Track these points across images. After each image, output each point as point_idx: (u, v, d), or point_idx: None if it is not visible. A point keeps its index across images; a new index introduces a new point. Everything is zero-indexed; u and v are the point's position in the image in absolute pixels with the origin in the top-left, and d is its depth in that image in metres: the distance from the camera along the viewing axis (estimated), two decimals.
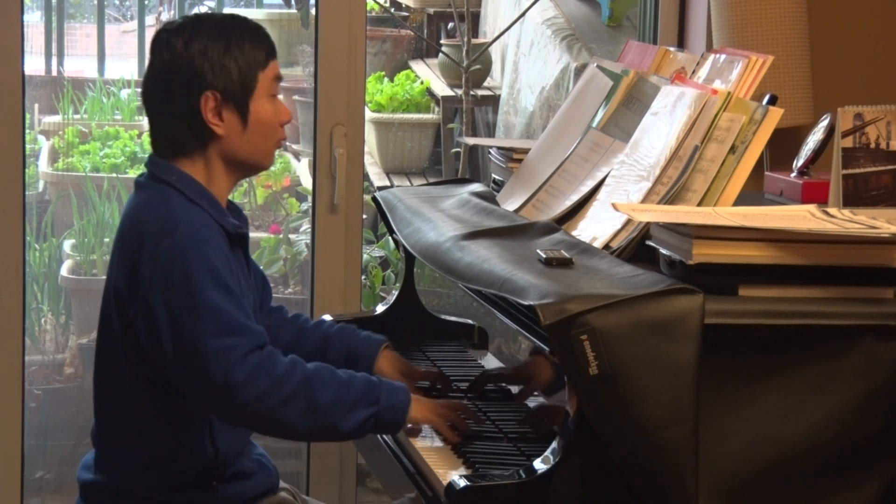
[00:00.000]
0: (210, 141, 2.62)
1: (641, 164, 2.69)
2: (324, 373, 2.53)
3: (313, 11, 4.00)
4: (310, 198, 4.25)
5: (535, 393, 2.88)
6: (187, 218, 2.56)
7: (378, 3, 6.45)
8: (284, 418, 2.49)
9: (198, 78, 2.60)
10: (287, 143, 5.40)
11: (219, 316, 2.49)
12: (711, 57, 2.84)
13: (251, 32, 2.65)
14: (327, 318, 3.28)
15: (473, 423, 2.65)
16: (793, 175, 3.09)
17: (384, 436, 2.73)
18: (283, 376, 2.48)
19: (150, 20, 5.48)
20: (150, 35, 5.36)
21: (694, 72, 2.86)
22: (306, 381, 2.49)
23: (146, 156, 2.73)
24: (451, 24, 6.36)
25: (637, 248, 2.52)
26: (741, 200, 2.53)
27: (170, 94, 2.63)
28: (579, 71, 5.19)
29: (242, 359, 2.46)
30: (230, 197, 2.76)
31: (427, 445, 2.60)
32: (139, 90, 2.69)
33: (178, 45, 2.61)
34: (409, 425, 2.60)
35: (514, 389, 2.92)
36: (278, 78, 2.69)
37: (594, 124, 2.94)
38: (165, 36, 2.64)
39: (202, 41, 2.61)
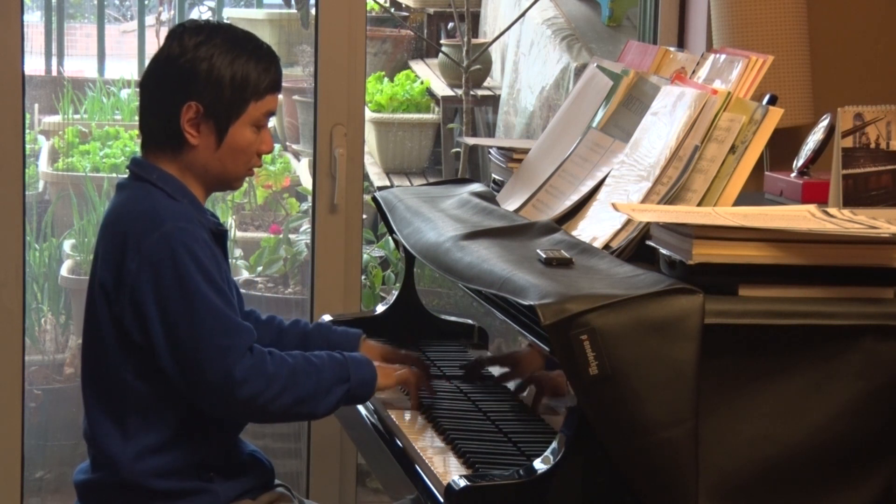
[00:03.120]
0: (184, 147, 2.63)
1: (641, 164, 2.69)
2: (303, 363, 2.61)
3: (313, 11, 4.00)
4: (310, 198, 4.25)
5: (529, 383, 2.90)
6: (172, 213, 2.58)
7: (378, 3, 6.45)
8: (274, 410, 2.58)
9: (190, 83, 2.60)
10: (287, 143, 5.40)
11: (215, 315, 2.52)
12: (711, 57, 2.84)
13: (262, 60, 2.64)
14: (327, 318, 3.29)
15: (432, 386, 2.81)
16: (793, 175, 3.09)
17: (384, 436, 2.73)
18: (274, 374, 2.56)
19: (150, 20, 5.48)
20: (150, 35, 5.38)
21: (694, 72, 2.86)
22: (292, 375, 2.58)
23: (135, 155, 2.74)
24: (451, 24, 6.36)
25: (637, 248, 2.52)
26: (741, 200, 2.53)
27: (161, 88, 2.64)
28: (579, 71, 5.19)
29: (240, 359, 2.52)
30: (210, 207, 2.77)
31: (427, 445, 2.60)
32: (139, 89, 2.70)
33: (189, 43, 2.61)
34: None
35: (505, 379, 2.93)
36: (271, 113, 2.67)
37: (594, 124, 2.94)
38: (181, 30, 2.64)
39: (211, 48, 2.60)
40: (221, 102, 2.60)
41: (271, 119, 2.71)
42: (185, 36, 2.62)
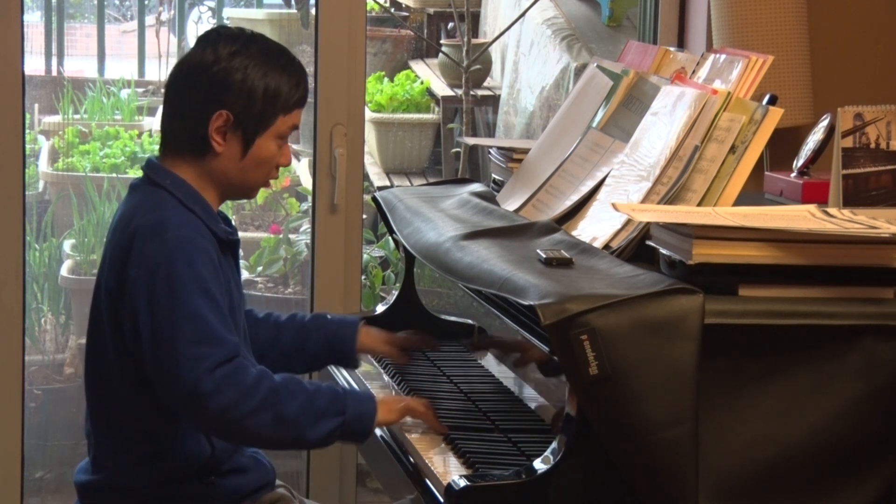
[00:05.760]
0: (207, 153, 2.62)
1: (641, 164, 2.69)
2: (291, 384, 2.55)
3: (313, 11, 4.00)
4: (310, 198, 4.25)
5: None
6: (178, 221, 2.57)
7: (378, 3, 6.45)
8: (252, 429, 2.51)
9: (222, 91, 2.58)
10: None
11: (197, 323, 2.49)
12: (711, 57, 2.84)
13: (294, 74, 2.63)
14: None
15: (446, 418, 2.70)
16: (793, 175, 3.09)
17: (384, 436, 2.73)
18: (250, 387, 2.49)
19: (150, 20, 5.48)
20: (150, 35, 5.38)
21: (694, 72, 2.86)
22: (273, 392, 2.51)
23: (146, 156, 2.73)
24: (451, 24, 6.37)
25: (637, 248, 2.52)
26: (741, 200, 2.53)
27: (190, 93, 2.62)
28: (579, 71, 5.19)
29: (212, 369, 2.47)
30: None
31: (427, 445, 2.60)
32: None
33: (223, 51, 2.59)
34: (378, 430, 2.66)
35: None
36: (295, 126, 2.67)
37: (594, 124, 2.94)
38: (215, 37, 2.62)
39: (246, 59, 2.59)
40: (252, 114, 2.59)
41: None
42: (219, 44, 2.60)
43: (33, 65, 5.09)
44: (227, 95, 2.58)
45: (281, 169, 2.72)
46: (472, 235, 2.68)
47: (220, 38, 2.61)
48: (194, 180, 2.63)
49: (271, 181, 2.71)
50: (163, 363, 2.50)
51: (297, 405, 2.52)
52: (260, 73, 2.59)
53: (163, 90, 2.73)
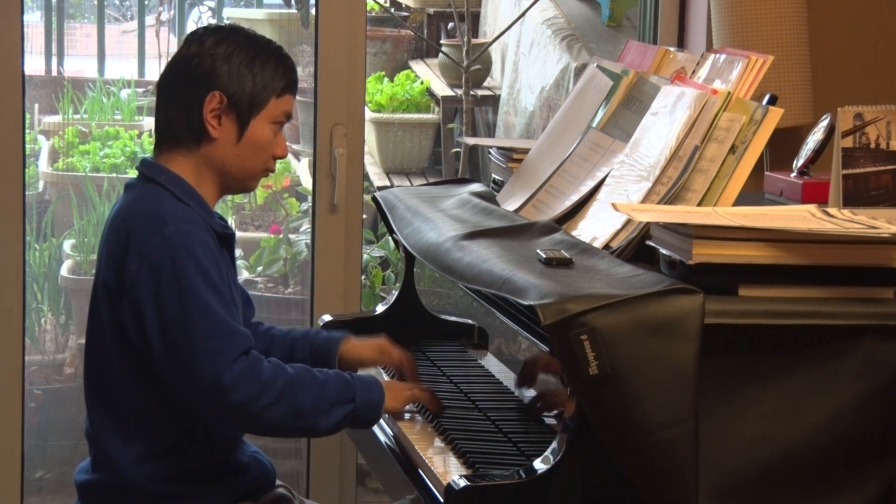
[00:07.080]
0: (203, 140, 2.64)
1: (641, 164, 2.69)
2: (304, 376, 2.58)
3: (313, 11, 4.00)
4: (310, 198, 4.25)
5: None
6: (176, 215, 2.58)
7: (378, 3, 6.45)
8: (268, 420, 2.54)
9: (213, 76, 2.63)
10: (287, 144, 5.40)
11: (210, 318, 2.50)
12: (711, 57, 2.84)
13: (279, 59, 2.68)
14: (327, 318, 3.30)
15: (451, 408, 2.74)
16: (793, 175, 3.09)
17: (385, 436, 2.73)
18: (269, 381, 2.52)
19: (150, 20, 5.48)
20: (150, 35, 5.38)
21: (694, 72, 2.86)
22: (290, 385, 2.54)
23: (145, 156, 2.74)
24: (451, 24, 6.36)
25: (637, 248, 2.52)
26: (741, 200, 2.53)
27: (182, 82, 2.66)
28: (579, 71, 5.19)
29: (231, 363, 2.50)
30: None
31: (427, 445, 2.60)
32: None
33: (208, 42, 2.65)
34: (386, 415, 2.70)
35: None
36: (288, 114, 2.70)
37: (594, 124, 2.94)
38: (201, 31, 2.69)
39: (231, 46, 2.64)
40: (244, 95, 2.63)
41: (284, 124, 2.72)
42: (205, 37, 2.67)
43: (33, 65, 5.08)
44: (218, 79, 2.63)
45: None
46: (472, 235, 2.68)
47: (206, 33, 2.68)
48: (190, 174, 2.65)
49: (269, 182, 2.72)
50: (178, 359, 2.51)
51: (311, 397, 2.56)
52: (247, 56, 2.64)
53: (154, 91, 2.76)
